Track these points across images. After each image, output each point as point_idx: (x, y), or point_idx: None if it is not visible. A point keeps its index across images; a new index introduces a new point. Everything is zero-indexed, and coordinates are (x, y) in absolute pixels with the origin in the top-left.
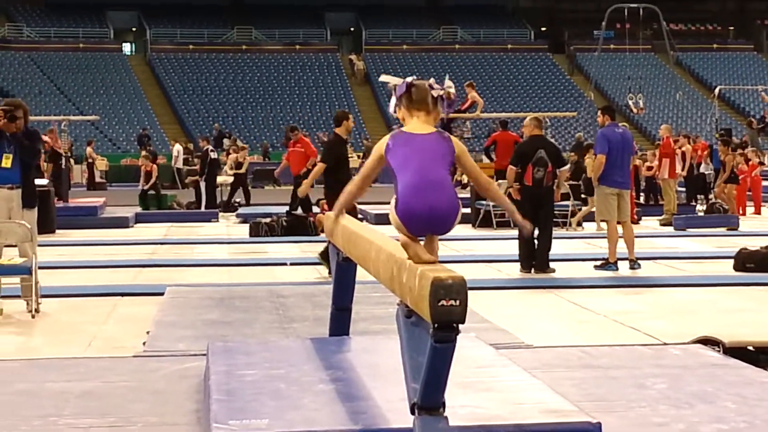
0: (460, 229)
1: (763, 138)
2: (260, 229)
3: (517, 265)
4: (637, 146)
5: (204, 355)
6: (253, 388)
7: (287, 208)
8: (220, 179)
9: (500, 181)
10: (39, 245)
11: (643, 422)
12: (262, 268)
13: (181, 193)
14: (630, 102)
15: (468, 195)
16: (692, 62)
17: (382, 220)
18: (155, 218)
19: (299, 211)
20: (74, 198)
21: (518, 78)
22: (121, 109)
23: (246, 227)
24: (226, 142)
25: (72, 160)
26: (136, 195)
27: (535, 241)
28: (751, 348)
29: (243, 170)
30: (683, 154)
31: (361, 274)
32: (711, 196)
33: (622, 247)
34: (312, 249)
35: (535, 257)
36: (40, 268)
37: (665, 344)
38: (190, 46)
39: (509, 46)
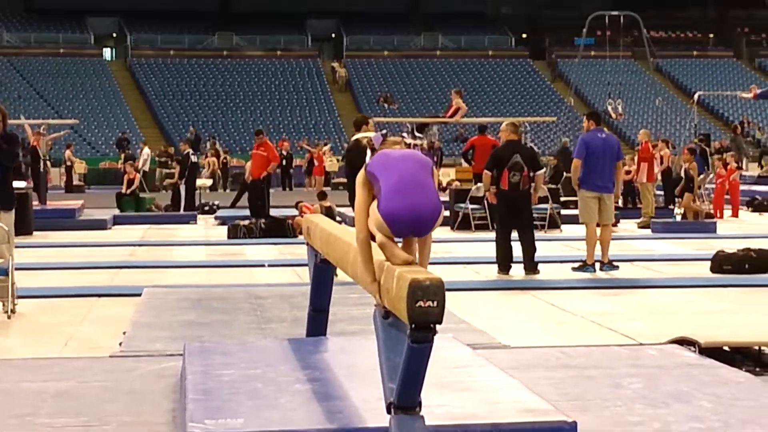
0: (438, 232)
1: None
2: (239, 231)
3: (495, 267)
4: None
5: (181, 355)
6: (229, 387)
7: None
8: (199, 182)
9: (479, 184)
10: (16, 247)
11: (619, 421)
12: (241, 270)
13: (159, 196)
14: (609, 108)
15: (447, 198)
16: (672, 69)
17: None
18: (133, 220)
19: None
20: (52, 200)
21: (499, 84)
22: (100, 114)
23: (224, 229)
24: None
25: (50, 163)
26: (113, 197)
27: (511, 243)
28: (726, 348)
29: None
30: (661, 158)
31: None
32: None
33: (599, 249)
34: (290, 251)
35: (511, 259)
36: (17, 269)
37: (642, 344)
38: (171, 52)
39: (490, 52)
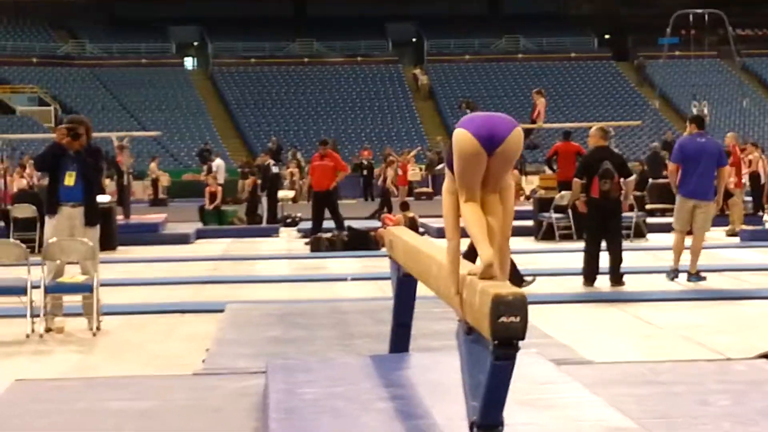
0: (522, 242)
1: None
2: (321, 245)
3: (579, 278)
4: None
5: (263, 372)
6: (312, 406)
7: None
8: (281, 194)
9: (563, 192)
10: (100, 262)
11: None
12: (323, 284)
13: (242, 208)
14: (694, 110)
15: (531, 207)
16: (760, 68)
17: (443, 233)
18: (216, 234)
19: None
20: (136, 214)
21: (582, 87)
22: (182, 124)
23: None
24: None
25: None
26: (196, 210)
27: (600, 254)
28: None
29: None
30: (750, 162)
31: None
32: None
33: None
34: (373, 264)
35: (597, 271)
36: (101, 285)
37: (730, 359)
38: (252, 60)
39: (572, 54)
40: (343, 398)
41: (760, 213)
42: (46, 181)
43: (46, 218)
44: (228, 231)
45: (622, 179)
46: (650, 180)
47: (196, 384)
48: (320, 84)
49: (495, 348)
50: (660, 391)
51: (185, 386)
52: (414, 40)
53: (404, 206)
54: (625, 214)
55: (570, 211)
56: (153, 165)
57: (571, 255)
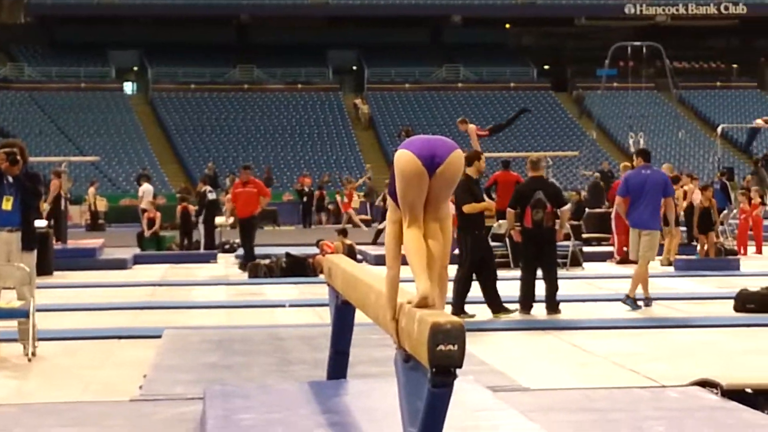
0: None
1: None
2: (259, 271)
3: (516, 306)
4: None
5: (201, 399)
6: None
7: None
8: (218, 220)
9: (501, 221)
10: (37, 287)
11: None
12: (261, 310)
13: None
14: (630, 141)
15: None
16: (695, 100)
17: (381, 260)
18: (153, 259)
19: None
20: (73, 239)
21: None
22: (121, 149)
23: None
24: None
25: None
26: (134, 236)
27: (535, 283)
28: (749, 390)
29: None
30: (684, 193)
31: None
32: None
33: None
34: (311, 290)
35: (534, 299)
36: (37, 310)
37: (664, 386)
38: (192, 86)
39: (512, 84)
40: (281, 424)
41: (694, 243)
42: None
43: None
44: (166, 257)
45: (555, 209)
46: (587, 209)
47: (134, 410)
48: (260, 111)
49: (433, 376)
50: (596, 417)
51: (122, 412)
52: (354, 68)
53: (342, 233)
54: (561, 243)
55: (507, 240)
56: (92, 190)
57: (508, 283)
